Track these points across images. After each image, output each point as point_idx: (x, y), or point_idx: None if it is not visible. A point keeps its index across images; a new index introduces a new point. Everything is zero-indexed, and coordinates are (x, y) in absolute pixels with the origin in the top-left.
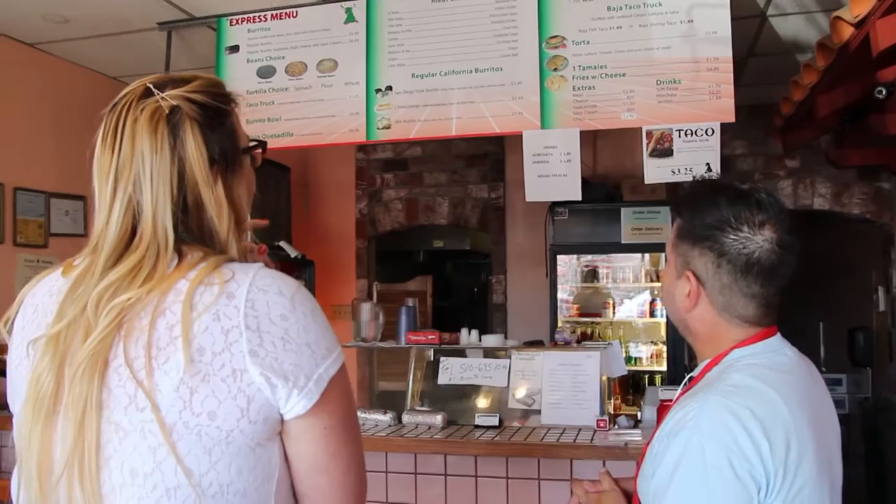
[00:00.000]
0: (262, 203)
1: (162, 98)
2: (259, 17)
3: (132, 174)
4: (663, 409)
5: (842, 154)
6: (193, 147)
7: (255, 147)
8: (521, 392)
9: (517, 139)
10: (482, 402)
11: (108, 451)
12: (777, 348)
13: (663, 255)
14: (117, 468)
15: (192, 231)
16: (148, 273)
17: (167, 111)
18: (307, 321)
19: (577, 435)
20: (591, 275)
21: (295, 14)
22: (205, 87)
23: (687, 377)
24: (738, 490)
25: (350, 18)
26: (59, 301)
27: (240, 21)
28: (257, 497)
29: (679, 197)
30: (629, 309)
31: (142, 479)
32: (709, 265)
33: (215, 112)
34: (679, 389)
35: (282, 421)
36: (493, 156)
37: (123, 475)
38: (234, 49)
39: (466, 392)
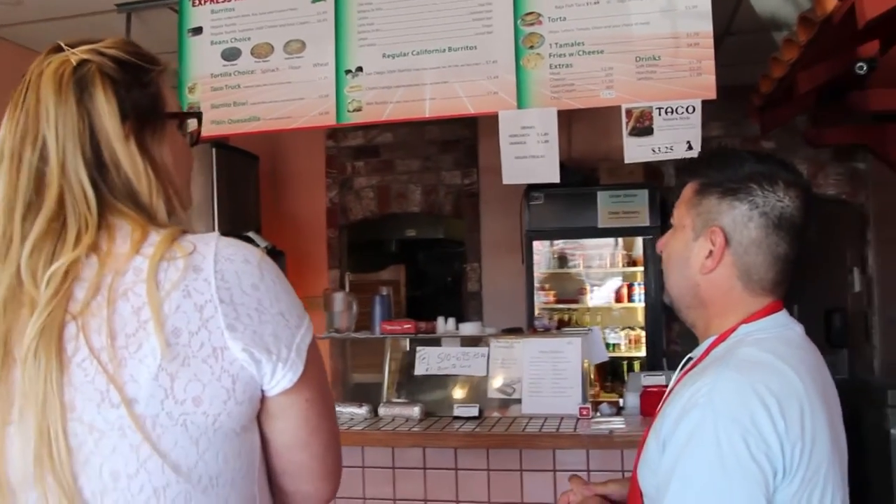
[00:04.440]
0: (231, 193)
1: (72, 53)
2: None
3: (39, 131)
4: (647, 395)
5: (818, 133)
6: (103, 100)
7: (183, 115)
8: (500, 381)
9: (490, 123)
10: (461, 392)
11: (83, 455)
12: (785, 323)
13: (639, 238)
14: (96, 473)
15: (118, 191)
16: (77, 233)
17: (74, 64)
18: (277, 289)
19: (560, 424)
20: (563, 260)
21: None
22: (120, 45)
23: (686, 358)
24: (754, 472)
25: None
26: None
27: (203, 1)
28: (244, 485)
29: (692, 160)
30: (605, 294)
31: (125, 482)
32: (738, 218)
33: (132, 68)
34: (676, 373)
35: (262, 399)
36: (465, 141)
37: (104, 479)
38: (198, 31)
39: (444, 382)
